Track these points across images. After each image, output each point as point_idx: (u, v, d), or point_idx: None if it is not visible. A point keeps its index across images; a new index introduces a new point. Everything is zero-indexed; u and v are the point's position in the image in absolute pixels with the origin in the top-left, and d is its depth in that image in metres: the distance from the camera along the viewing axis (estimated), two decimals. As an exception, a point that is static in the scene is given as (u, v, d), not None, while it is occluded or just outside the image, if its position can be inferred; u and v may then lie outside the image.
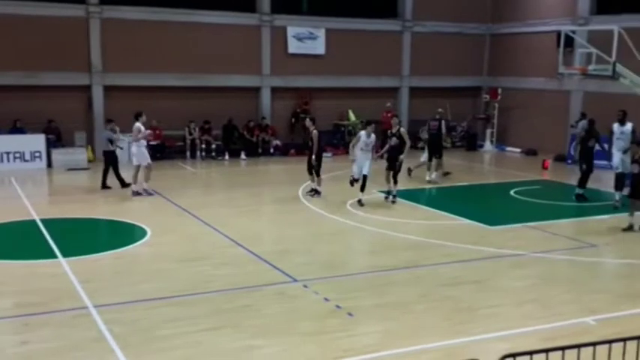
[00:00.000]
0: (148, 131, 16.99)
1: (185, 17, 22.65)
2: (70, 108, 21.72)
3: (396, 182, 15.58)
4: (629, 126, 15.65)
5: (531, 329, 8.09)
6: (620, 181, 14.96)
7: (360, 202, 14.96)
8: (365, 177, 15.01)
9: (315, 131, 15.89)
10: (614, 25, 17.61)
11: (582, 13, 22.82)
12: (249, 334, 7.87)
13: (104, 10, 21.73)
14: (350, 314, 8.48)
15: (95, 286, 9.46)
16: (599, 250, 11.78)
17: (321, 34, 24.43)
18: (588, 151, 15.75)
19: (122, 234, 12.90)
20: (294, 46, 24.18)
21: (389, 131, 16.18)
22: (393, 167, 15.49)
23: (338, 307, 8.73)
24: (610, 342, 5.04)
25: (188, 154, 22.63)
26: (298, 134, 24.43)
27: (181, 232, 12.80)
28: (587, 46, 18.58)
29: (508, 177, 19.32)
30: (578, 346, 4.85)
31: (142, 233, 12.56)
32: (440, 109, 19.15)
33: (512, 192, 16.63)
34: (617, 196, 14.87)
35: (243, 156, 22.61)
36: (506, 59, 26.18)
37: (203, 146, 22.76)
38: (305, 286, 9.59)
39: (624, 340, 5.08)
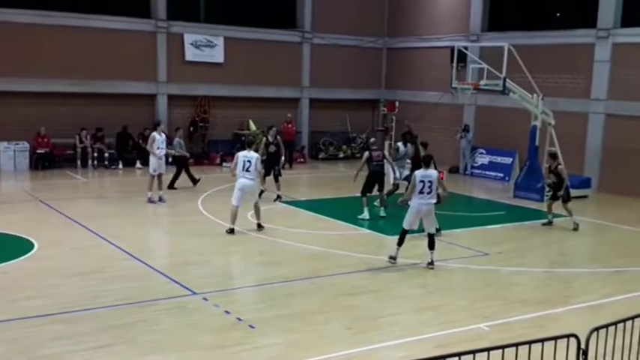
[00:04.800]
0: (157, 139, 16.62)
1: (76, 22, 21.72)
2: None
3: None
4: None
5: (429, 336, 8.23)
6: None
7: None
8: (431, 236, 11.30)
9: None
10: (504, 42, 18.46)
11: (474, 30, 23.79)
12: (145, 350, 7.53)
13: (-14, 12, 20.53)
14: (251, 326, 8.31)
15: (-26, 304, 8.80)
16: (491, 259, 12.18)
17: (219, 42, 24.13)
18: None
19: (6, 247, 12.04)
20: (191, 54, 23.75)
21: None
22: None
23: (239, 319, 8.53)
24: (503, 347, 5.16)
25: (79, 162, 21.70)
26: (197, 143, 24.00)
27: (71, 245, 12.17)
28: (479, 61, 19.34)
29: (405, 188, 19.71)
30: (473, 352, 4.94)
31: (28, 246, 11.84)
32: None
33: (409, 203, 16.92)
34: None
35: (138, 165, 21.92)
36: (403, 73, 26.88)
37: (95, 155, 21.89)
38: (205, 299, 9.32)
39: (516, 345, 5.21)
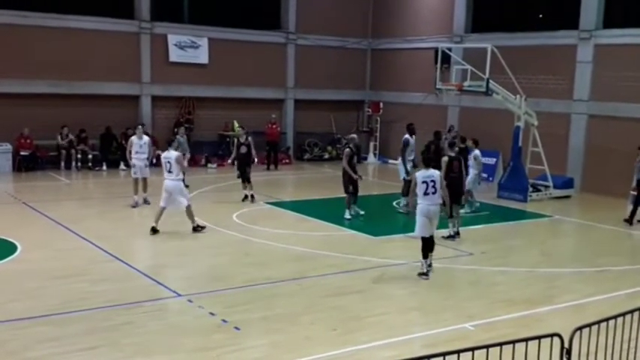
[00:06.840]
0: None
1: (58, 22, 21.51)
2: None
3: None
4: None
5: (414, 336, 8.29)
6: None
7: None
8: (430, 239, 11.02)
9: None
10: (487, 43, 18.54)
11: (458, 31, 23.91)
12: (130, 352, 7.50)
13: (-35, 13, 20.30)
14: (237, 328, 8.31)
15: (-42, 307, 8.73)
16: (475, 259, 12.26)
17: (203, 43, 24.07)
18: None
19: (-11, 250, 11.99)
20: (175, 55, 23.65)
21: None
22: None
23: (224, 321, 8.52)
24: (487, 347, 5.19)
25: (62, 164, 21.55)
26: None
27: (55, 247, 12.09)
28: (462, 63, 19.43)
29: (390, 189, 19.76)
30: (458, 352, 4.97)
31: (12, 249, 11.74)
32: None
33: (394, 203, 17.03)
34: (404, 201, 15.85)
35: (122, 166, 21.78)
36: (387, 74, 26.94)
37: (79, 156, 21.75)
38: (189, 301, 9.30)
39: (500, 344, 5.24)
